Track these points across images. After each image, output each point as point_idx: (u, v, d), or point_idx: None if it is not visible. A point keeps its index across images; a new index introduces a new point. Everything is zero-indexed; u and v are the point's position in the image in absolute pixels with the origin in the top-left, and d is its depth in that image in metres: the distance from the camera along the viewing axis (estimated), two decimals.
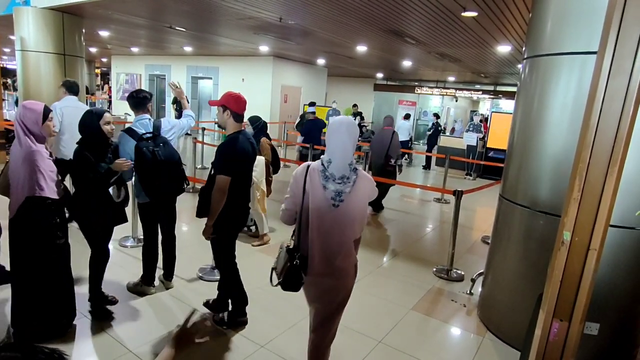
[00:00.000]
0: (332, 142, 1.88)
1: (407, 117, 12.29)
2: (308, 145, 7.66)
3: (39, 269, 2.43)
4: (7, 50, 16.52)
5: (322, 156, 1.96)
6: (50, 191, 2.36)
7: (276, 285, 2.04)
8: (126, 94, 15.09)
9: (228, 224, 2.74)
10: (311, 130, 7.86)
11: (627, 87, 1.16)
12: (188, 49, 12.31)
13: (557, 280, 1.33)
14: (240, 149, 2.63)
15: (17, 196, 2.34)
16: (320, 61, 13.21)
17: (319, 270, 1.93)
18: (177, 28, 8.64)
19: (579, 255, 1.31)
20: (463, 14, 5.44)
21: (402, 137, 11.96)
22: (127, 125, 3.68)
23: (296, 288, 2.00)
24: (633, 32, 1.11)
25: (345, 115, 10.03)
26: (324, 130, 7.75)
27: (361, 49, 9.37)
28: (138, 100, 3.09)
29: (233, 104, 2.66)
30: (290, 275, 1.96)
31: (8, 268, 3.10)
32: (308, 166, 1.92)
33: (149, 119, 3.10)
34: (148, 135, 2.94)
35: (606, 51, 1.16)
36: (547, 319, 1.37)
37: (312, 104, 9.14)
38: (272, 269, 2.08)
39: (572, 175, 1.32)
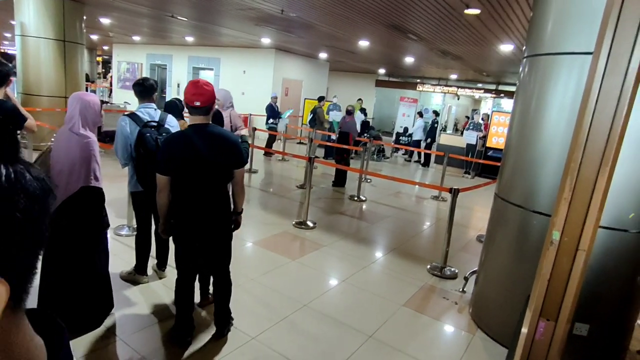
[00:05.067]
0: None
1: (421, 114, 12.22)
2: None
3: (88, 258, 2.44)
4: (8, 35, 16.43)
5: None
6: (101, 182, 2.42)
7: None
8: (127, 83, 15.09)
9: (175, 234, 2.44)
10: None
11: (622, 87, 1.15)
12: (190, 39, 12.24)
13: (545, 279, 1.33)
14: (172, 148, 2.26)
15: (66, 185, 2.33)
16: (322, 55, 13.16)
17: None
18: (179, 17, 8.58)
19: (567, 255, 1.31)
20: (466, 11, 5.41)
21: (418, 136, 11.90)
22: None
23: None
24: (629, 32, 1.10)
25: (357, 110, 10.54)
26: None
27: (363, 43, 9.32)
28: (145, 88, 3.03)
29: (184, 92, 2.27)
30: None
31: None
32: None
33: (155, 109, 3.07)
34: (153, 123, 2.92)
35: (602, 51, 1.15)
36: (534, 318, 1.36)
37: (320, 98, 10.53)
38: None
39: (563, 174, 1.31)
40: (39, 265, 0.43)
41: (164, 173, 2.27)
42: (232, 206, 2.54)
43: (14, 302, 0.38)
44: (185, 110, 2.43)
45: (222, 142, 2.32)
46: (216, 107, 3.89)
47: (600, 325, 2.61)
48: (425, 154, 11.62)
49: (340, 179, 7.53)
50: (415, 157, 12.45)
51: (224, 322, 2.66)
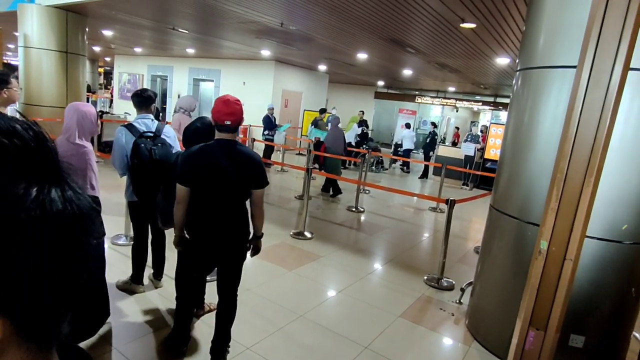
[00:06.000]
0: None
1: (408, 126, 12.44)
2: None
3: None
4: (11, 46, 16.62)
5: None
6: (98, 191, 2.42)
7: None
8: (128, 94, 15.28)
9: (188, 247, 2.40)
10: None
11: (604, 100, 1.18)
12: (191, 50, 12.39)
13: (534, 288, 1.34)
14: (193, 159, 2.23)
15: None
16: (322, 67, 13.30)
17: None
18: (180, 30, 8.71)
19: (555, 265, 1.33)
20: (462, 25, 5.50)
21: (408, 145, 12.08)
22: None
23: None
24: (610, 48, 1.14)
25: (354, 123, 10.93)
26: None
27: (362, 56, 9.44)
28: (143, 99, 3.06)
29: (213, 108, 2.24)
30: None
31: None
32: None
33: (152, 119, 3.10)
34: (149, 134, 2.95)
35: (584, 65, 1.19)
36: (524, 327, 1.38)
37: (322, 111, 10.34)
38: None
39: (550, 185, 1.34)
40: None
41: (183, 184, 2.24)
42: (250, 229, 2.44)
43: (37, 342, 0.35)
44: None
45: (246, 161, 2.27)
46: (182, 113, 4.46)
47: (596, 337, 2.61)
48: (424, 165, 11.72)
49: (334, 189, 7.68)
50: (409, 166, 12.62)
51: (220, 349, 2.51)
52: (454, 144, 14.55)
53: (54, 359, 0.39)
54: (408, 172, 12.26)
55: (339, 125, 11.09)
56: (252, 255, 2.51)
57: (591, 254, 2.43)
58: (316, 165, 8.57)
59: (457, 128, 16.88)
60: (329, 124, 11.95)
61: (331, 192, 7.71)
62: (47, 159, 0.36)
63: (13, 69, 10.45)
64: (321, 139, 8.87)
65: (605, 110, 1.16)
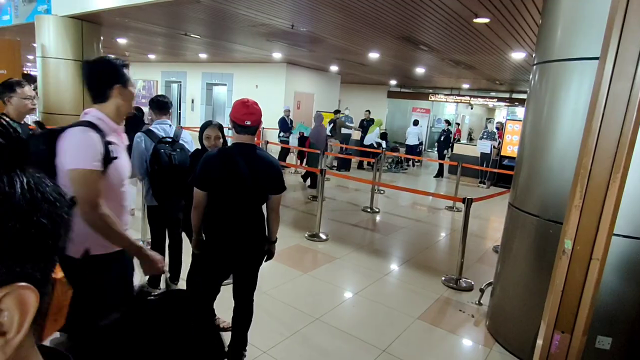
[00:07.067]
0: None
1: (415, 123, 12.42)
2: None
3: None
4: (30, 57, 17.08)
5: None
6: None
7: None
8: (144, 100, 15.53)
9: (203, 252, 2.39)
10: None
11: (630, 92, 1.12)
12: (203, 55, 12.51)
13: (559, 290, 1.29)
14: (212, 164, 2.21)
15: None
16: (333, 68, 13.26)
17: None
18: (192, 35, 8.80)
19: (581, 265, 1.27)
20: (475, 20, 5.40)
21: (411, 142, 12.05)
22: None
23: None
24: (635, 37, 1.08)
25: (376, 127, 11.14)
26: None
27: (374, 55, 9.37)
28: (161, 104, 3.12)
29: (232, 111, 2.23)
30: None
31: None
32: None
33: (170, 125, 3.14)
34: (167, 139, 2.98)
35: (608, 56, 1.13)
36: (549, 330, 1.32)
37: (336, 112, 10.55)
38: None
39: (573, 182, 1.28)
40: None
41: (201, 188, 2.22)
42: (266, 234, 2.44)
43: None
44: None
45: (265, 166, 2.26)
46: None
47: (624, 338, 2.51)
48: (438, 163, 11.58)
49: (312, 180, 8.13)
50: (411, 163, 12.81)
51: (237, 352, 2.50)
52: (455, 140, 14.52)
53: (35, 347, 0.41)
54: (407, 169, 12.31)
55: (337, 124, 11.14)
56: (266, 260, 2.50)
57: (619, 252, 2.34)
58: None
59: (458, 124, 16.96)
60: (316, 121, 11.96)
61: (309, 183, 8.28)
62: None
63: (32, 79, 10.72)
64: (305, 134, 9.47)
65: (632, 103, 1.10)
